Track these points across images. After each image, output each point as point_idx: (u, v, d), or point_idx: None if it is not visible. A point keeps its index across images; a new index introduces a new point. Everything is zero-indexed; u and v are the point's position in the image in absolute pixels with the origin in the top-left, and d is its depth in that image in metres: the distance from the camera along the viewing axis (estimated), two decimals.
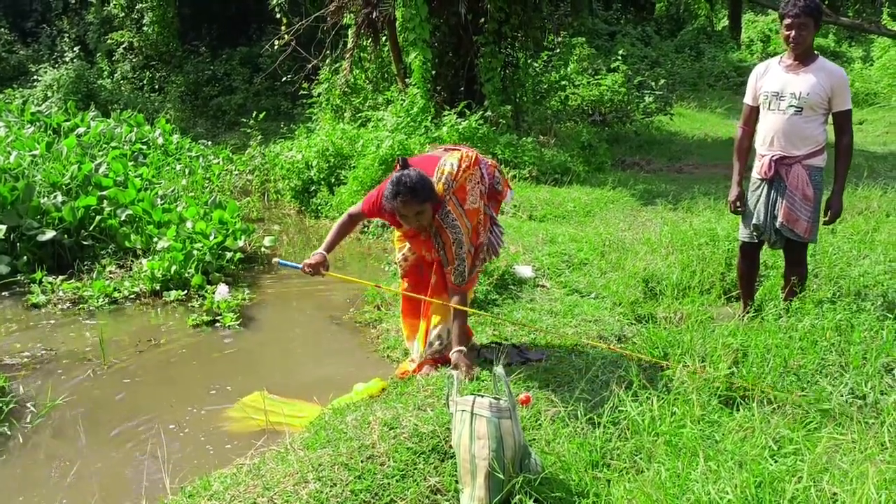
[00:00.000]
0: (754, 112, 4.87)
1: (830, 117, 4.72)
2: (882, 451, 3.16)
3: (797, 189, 4.66)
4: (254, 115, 12.56)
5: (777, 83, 4.69)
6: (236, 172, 12.20)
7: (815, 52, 4.71)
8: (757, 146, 4.87)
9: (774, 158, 4.70)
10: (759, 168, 4.81)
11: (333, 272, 4.45)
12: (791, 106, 4.61)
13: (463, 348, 4.16)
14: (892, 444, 3.19)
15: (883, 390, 3.85)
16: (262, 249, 8.23)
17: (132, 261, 7.44)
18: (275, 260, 4.76)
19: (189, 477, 3.48)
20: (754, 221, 4.86)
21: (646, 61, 21.33)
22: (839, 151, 4.69)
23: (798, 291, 4.87)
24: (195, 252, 7.12)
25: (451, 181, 4.03)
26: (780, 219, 4.71)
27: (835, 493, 2.81)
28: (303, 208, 10.78)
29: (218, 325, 6.11)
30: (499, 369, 3.21)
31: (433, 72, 11.30)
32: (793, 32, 4.55)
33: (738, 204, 4.99)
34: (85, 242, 7.58)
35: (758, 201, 4.84)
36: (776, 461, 3.09)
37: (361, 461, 3.27)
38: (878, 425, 3.45)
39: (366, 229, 9.15)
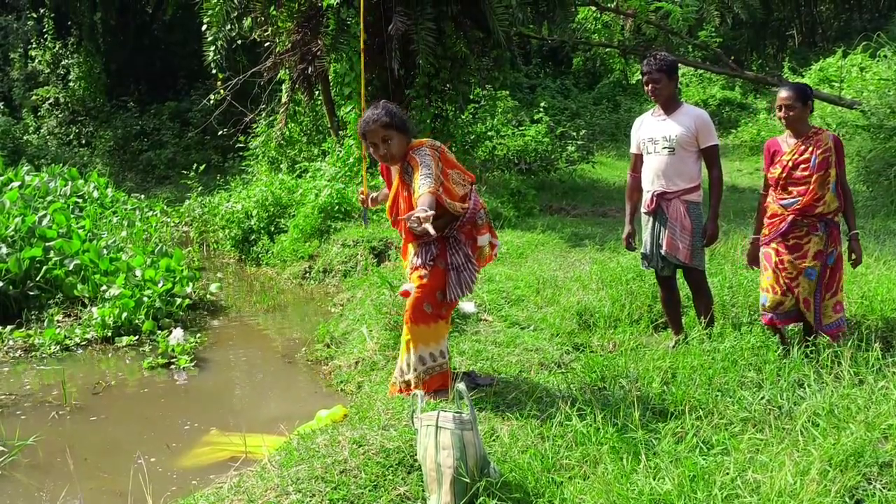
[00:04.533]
0: (639, 159, 5.49)
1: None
2: (796, 449, 3.60)
3: (676, 220, 5.24)
4: (194, 167, 12.77)
5: (651, 131, 5.34)
6: (172, 224, 12.38)
7: (681, 100, 5.41)
8: (643, 185, 5.47)
9: (656, 194, 5.30)
10: (644, 203, 5.43)
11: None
12: (665, 147, 5.24)
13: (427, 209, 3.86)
14: (806, 442, 3.64)
15: (795, 402, 4.31)
16: (208, 296, 8.44)
17: (80, 309, 7.57)
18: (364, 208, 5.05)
19: (172, 499, 3.71)
20: (643, 251, 5.48)
21: (566, 113, 22.15)
22: (711, 182, 5.32)
23: (706, 314, 5.39)
24: (145, 299, 7.30)
25: (436, 145, 4.33)
26: (663, 247, 5.29)
27: (758, 482, 3.24)
28: (243, 257, 11.02)
29: (173, 367, 6.31)
30: (461, 386, 3.57)
31: None
32: (650, 86, 5.24)
33: (629, 241, 5.63)
34: (31, 293, 7.67)
35: (646, 233, 5.45)
36: (706, 459, 3.51)
37: (336, 474, 3.56)
38: (792, 430, 3.90)
39: (308, 274, 9.44)
